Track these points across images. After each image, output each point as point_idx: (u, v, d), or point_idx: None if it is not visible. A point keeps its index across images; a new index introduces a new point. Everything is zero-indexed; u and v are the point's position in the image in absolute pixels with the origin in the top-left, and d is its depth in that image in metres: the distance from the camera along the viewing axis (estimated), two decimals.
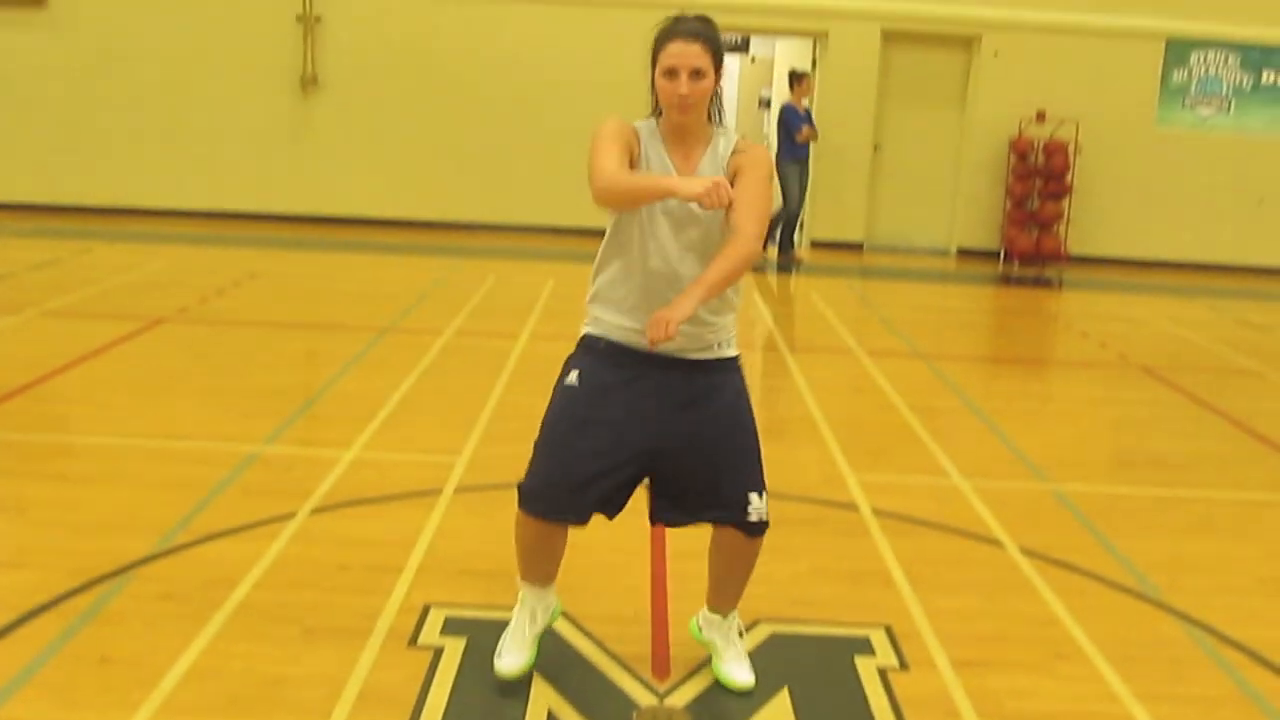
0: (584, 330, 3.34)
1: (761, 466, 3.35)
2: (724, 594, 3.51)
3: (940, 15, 14.11)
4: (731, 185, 3.07)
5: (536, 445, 3.31)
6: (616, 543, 4.30)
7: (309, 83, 13.95)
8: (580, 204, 12.78)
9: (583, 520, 3.28)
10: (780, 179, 12.99)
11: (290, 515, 4.67)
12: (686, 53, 3.06)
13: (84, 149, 13.97)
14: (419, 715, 3.26)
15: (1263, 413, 7.32)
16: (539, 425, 3.32)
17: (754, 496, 3.29)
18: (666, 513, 3.39)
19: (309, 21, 13.79)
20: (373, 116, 14.04)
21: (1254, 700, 3.63)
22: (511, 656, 3.43)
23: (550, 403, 3.32)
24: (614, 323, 3.25)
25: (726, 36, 16.20)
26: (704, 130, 3.22)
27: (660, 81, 3.11)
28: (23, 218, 13.36)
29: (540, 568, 3.45)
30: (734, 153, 3.21)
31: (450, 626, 3.79)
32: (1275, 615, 4.31)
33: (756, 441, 3.35)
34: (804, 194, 13.35)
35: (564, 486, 3.22)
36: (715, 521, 3.36)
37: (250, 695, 3.32)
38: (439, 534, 4.56)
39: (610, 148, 3.07)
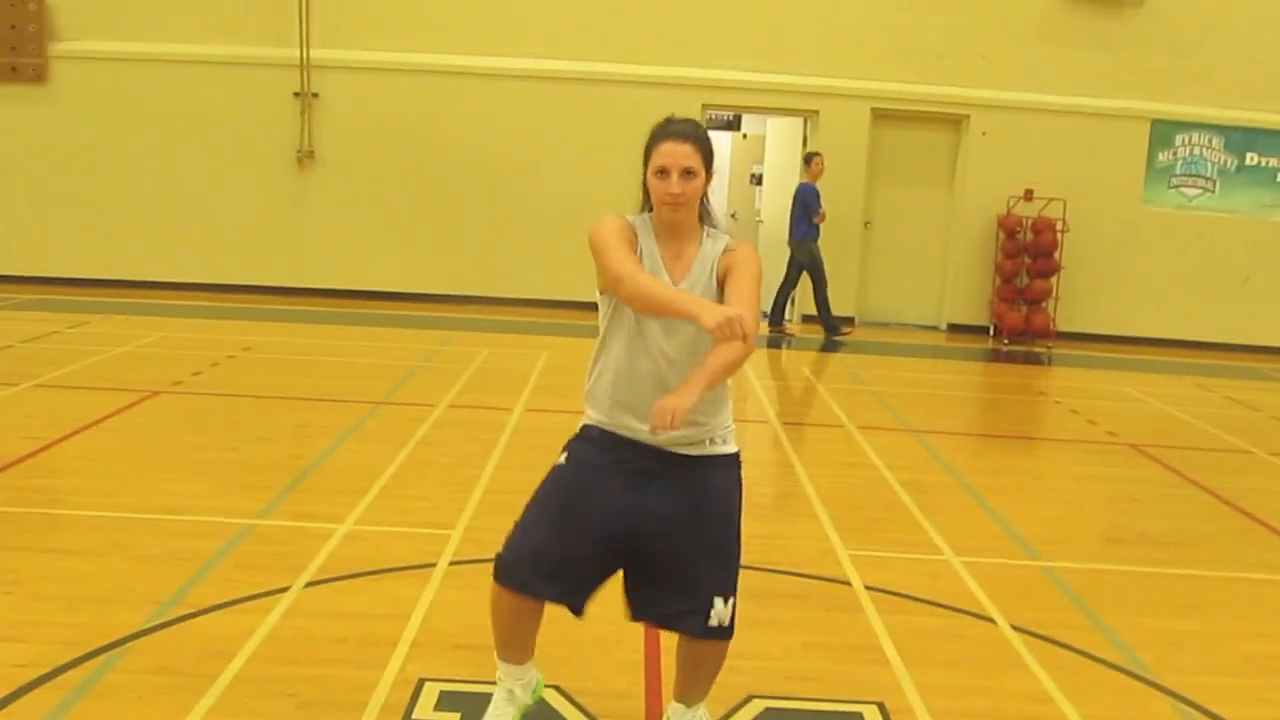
0: (582, 422, 3.42)
1: (736, 570, 3.33)
2: (690, 690, 3.52)
3: (929, 95, 14.36)
4: (722, 284, 3.19)
5: (519, 519, 3.35)
6: (608, 615, 4.30)
7: (305, 158, 14.11)
8: (573, 278, 12.88)
9: (554, 600, 3.30)
10: (805, 255, 13.38)
11: (285, 589, 4.69)
12: (678, 152, 3.16)
13: (82, 223, 14.06)
14: None
15: (1251, 490, 7.38)
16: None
17: (718, 601, 3.27)
18: (639, 610, 3.38)
19: (306, 98, 13.97)
20: (368, 191, 14.19)
21: None
22: None
23: (542, 481, 3.38)
24: (607, 420, 3.33)
25: (719, 114, 16.46)
26: (695, 229, 3.31)
27: (653, 180, 3.21)
28: (19, 290, 13.42)
29: (515, 644, 3.47)
30: (725, 251, 3.29)
31: (445, 701, 3.82)
32: (1262, 693, 4.34)
33: (737, 544, 3.35)
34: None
35: (539, 562, 3.25)
36: (677, 626, 3.35)
37: None
38: (433, 608, 4.59)
39: (621, 247, 3.15)
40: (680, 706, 3.55)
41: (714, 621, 3.27)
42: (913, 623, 4.76)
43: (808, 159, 13.64)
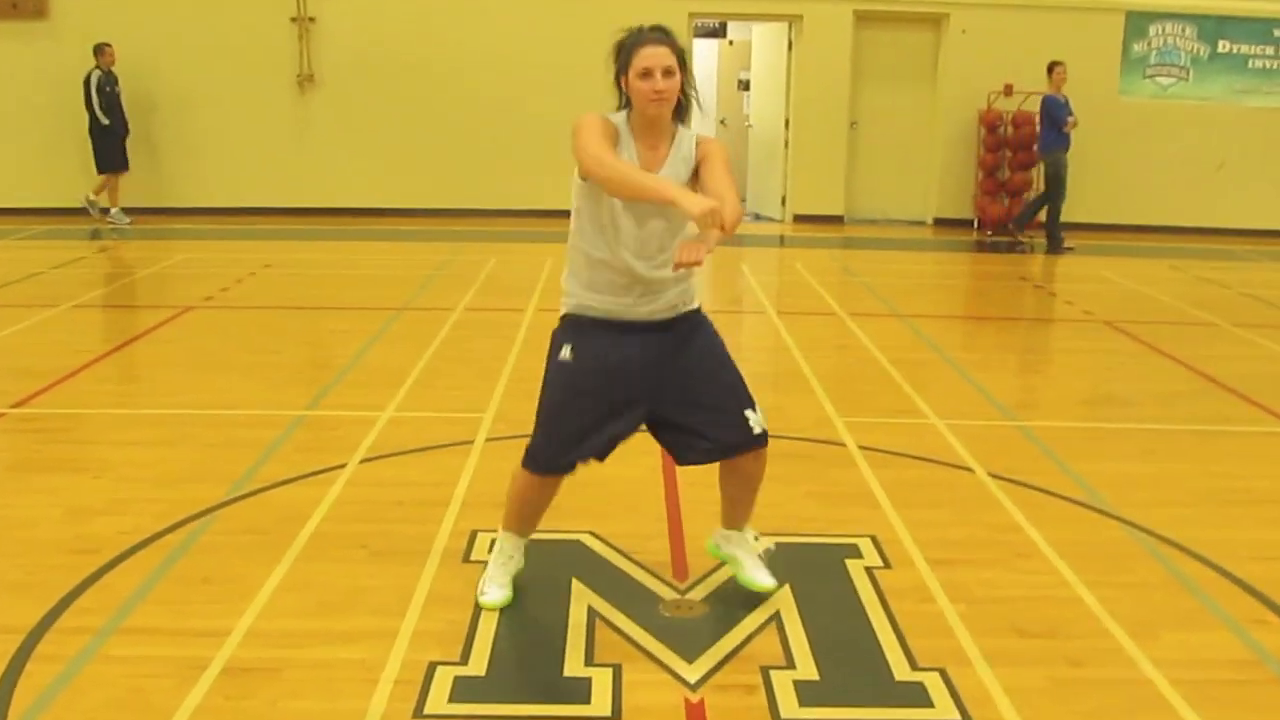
0: (566, 309, 3.82)
1: (746, 388, 3.84)
2: (738, 512, 4.05)
3: None
4: (698, 172, 3.65)
5: (540, 419, 3.81)
6: (632, 476, 4.96)
7: (305, 81, 14.51)
8: (570, 188, 13.14)
9: (584, 459, 3.78)
10: (1050, 167, 13.52)
11: (342, 465, 5.29)
12: (658, 54, 3.57)
13: (88, 153, 14.47)
14: (478, 614, 3.88)
15: (1212, 357, 7.96)
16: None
17: (749, 413, 3.80)
18: (685, 453, 3.88)
19: (303, 22, 14.34)
20: (368, 111, 14.60)
21: (1183, 583, 4.27)
22: (496, 592, 3.96)
23: (547, 378, 3.82)
24: (596, 303, 3.73)
25: (705, 22, 16.81)
26: (669, 127, 3.71)
27: (636, 82, 3.59)
28: (34, 221, 13.86)
29: (530, 522, 4.00)
30: (697, 144, 3.73)
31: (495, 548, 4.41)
32: (1205, 518, 4.95)
33: (736, 369, 3.86)
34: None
35: (572, 453, 3.77)
36: (731, 452, 3.84)
37: (336, 601, 3.95)
38: (476, 475, 5.19)
39: (600, 137, 3.54)
40: (731, 532, 4.07)
41: (756, 429, 3.79)
42: (900, 474, 5.37)
43: (1050, 69, 13.53)
